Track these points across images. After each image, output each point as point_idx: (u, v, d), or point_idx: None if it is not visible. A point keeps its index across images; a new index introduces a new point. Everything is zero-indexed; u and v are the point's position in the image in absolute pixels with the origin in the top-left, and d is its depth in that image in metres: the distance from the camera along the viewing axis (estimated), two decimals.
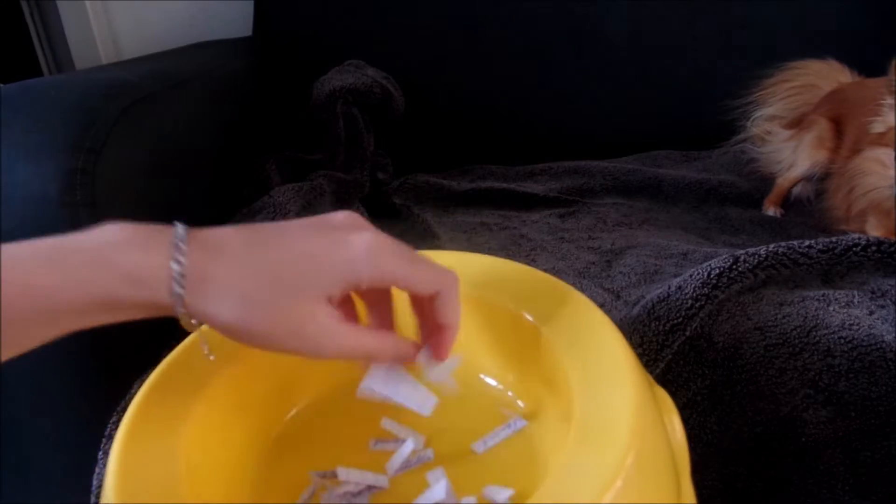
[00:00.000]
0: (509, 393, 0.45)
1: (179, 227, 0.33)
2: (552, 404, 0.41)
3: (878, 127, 0.82)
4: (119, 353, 0.60)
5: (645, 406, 0.34)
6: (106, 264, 0.31)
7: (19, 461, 0.63)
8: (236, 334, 0.33)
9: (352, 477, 0.38)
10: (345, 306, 0.39)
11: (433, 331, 0.38)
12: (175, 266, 0.31)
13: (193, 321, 0.33)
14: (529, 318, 0.42)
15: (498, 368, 0.45)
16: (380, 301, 0.40)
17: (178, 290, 0.31)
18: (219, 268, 0.32)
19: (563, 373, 0.38)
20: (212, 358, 0.39)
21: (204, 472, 0.36)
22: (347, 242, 0.34)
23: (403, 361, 0.38)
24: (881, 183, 0.79)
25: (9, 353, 0.31)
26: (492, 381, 0.46)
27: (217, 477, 0.37)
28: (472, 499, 0.36)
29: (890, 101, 0.81)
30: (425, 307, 0.38)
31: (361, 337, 0.35)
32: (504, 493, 0.36)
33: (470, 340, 0.42)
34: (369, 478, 0.38)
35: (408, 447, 0.40)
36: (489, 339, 0.45)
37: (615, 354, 0.38)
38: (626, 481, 0.30)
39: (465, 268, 0.44)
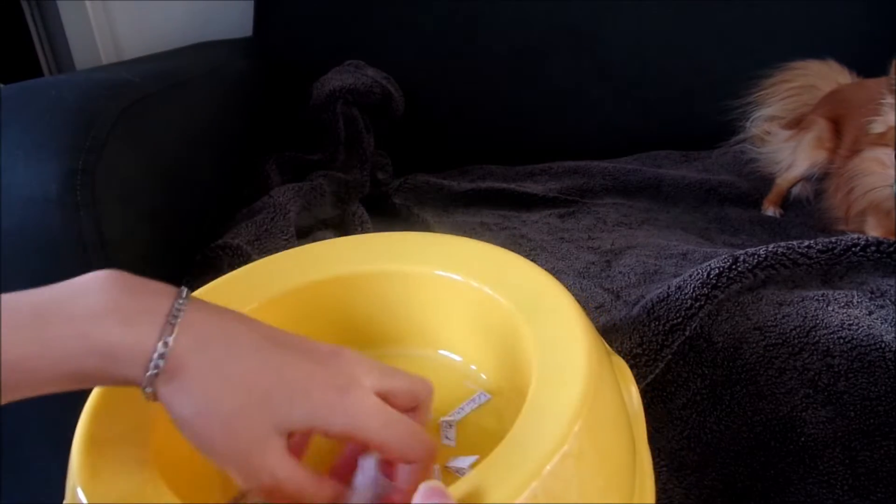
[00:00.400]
0: (472, 367, 0.45)
1: (183, 296, 0.32)
2: (514, 377, 0.41)
3: (877, 127, 0.82)
4: None
5: (599, 373, 0.35)
6: (84, 337, 0.29)
7: (19, 461, 0.62)
8: (185, 430, 0.31)
9: None
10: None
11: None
12: (161, 348, 0.30)
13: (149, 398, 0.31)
14: (487, 290, 0.43)
15: (458, 342, 0.46)
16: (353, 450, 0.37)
17: (153, 371, 0.30)
18: (203, 362, 0.31)
19: (522, 345, 0.38)
20: None
21: (175, 442, 0.35)
22: (337, 389, 0.32)
23: None
24: (880, 183, 0.79)
25: None
26: (453, 356, 0.46)
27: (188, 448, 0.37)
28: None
29: (890, 100, 0.81)
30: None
31: (301, 481, 0.32)
32: (467, 461, 0.37)
33: (427, 316, 0.42)
34: None
35: None
36: (447, 313, 0.45)
37: (572, 325, 0.38)
38: (577, 445, 0.31)
39: (424, 246, 0.46)
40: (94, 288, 0.31)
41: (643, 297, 0.63)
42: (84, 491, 0.32)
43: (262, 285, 0.45)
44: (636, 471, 0.37)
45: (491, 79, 1.17)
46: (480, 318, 0.44)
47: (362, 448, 0.34)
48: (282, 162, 0.99)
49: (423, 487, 0.28)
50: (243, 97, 1.05)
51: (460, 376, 0.45)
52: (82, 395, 0.61)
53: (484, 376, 0.45)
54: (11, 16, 1.20)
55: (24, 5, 1.20)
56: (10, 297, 0.30)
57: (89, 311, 0.30)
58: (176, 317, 0.31)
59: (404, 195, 1.03)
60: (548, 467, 0.30)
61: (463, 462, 0.37)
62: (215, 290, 0.45)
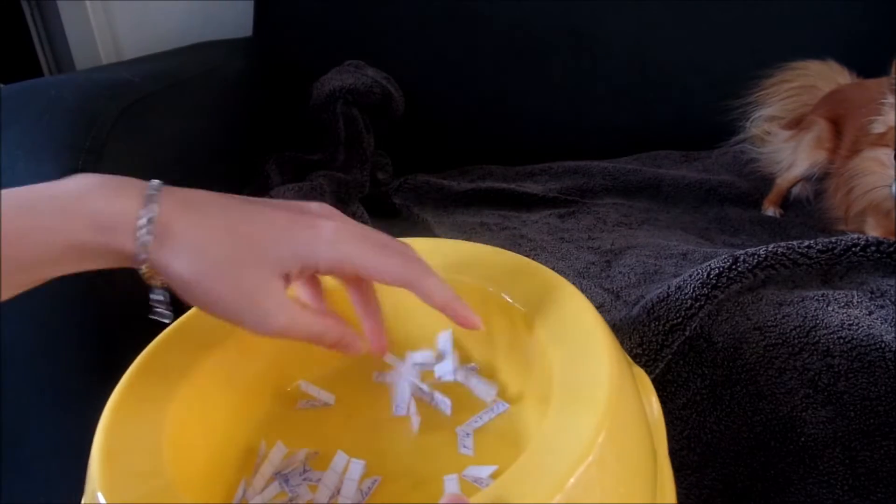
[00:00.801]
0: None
1: (155, 181, 0.34)
2: (533, 386, 0.41)
3: (877, 127, 0.82)
4: (120, 353, 0.60)
5: (621, 385, 0.35)
6: (73, 210, 0.31)
7: (19, 461, 0.63)
8: (191, 292, 0.33)
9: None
10: (311, 290, 0.40)
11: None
12: (145, 213, 0.32)
13: (151, 277, 0.33)
14: (507, 299, 0.43)
15: (477, 351, 0.46)
16: (361, 290, 0.40)
17: (145, 237, 0.31)
18: (187, 222, 0.32)
19: (543, 354, 0.38)
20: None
21: (189, 453, 0.36)
22: (313, 225, 0.34)
23: (347, 350, 0.37)
24: (880, 182, 0.79)
25: None
26: (470, 363, 0.46)
27: (201, 457, 0.37)
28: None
29: (891, 100, 0.81)
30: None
31: (308, 318, 0.35)
32: (486, 471, 0.37)
33: (445, 322, 0.42)
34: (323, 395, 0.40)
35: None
36: None
37: (593, 334, 0.38)
38: (600, 456, 0.31)
39: (439, 253, 0.46)
40: (79, 176, 0.33)
41: (643, 297, 0.63)
42: (104, 495, 0.32)
43: None
44: (657, 481, 0.37)
45: (491, 79, 1.17)
46: (498, 324, 0.43)
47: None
48: (282, 162, 0.99)
49: (445, 498, 0.28)
50: (243, 97, 1.05)
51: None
52: (82, 395, 0.61)
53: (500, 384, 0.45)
54: (11, 16, 1.20)
55: (24, 5, 1.20)
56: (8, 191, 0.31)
57: (78, 189, 0.32)
58: (156, 190, 0.33)
59: (404, 195, 1.03)
60: (572, 480, 0.29)
61: (481, 472, 0.37)
62: None
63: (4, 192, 0.31)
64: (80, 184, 0.32)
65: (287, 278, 0.34)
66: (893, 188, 0.76)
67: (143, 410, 0.36)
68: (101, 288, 0.56)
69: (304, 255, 0.34)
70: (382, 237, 0.36)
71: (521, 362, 0.42)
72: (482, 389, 0.42)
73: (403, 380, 0.44)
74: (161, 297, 0.35)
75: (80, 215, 0.31)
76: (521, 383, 0.43)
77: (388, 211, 0.98)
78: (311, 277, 0.40)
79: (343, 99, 1.03)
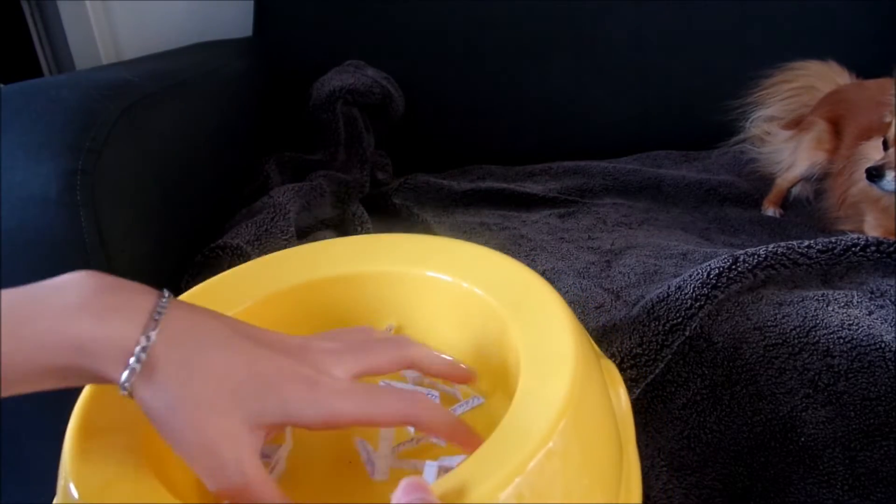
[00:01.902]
0: (463, 366, 0.45)
1: (166, 296, 0.32)
2: (504, 378, 0.41)
3: (888, 117, 0.82)
4: None
5: (585, 376, 0.35)
6: (57, 334, 0.29)
7: (19, 461, 0.62)
8: (160, 428, 0.31)
9: None
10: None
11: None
12: (142, 341, 0.30)
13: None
14: (478, 291, 0.43)
15: (449, 343, 0.46)
16: None
17: (133, 365, 0.30)
18: (177, 358, 0.30)
19: (511, 346, 0.39)
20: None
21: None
22: (312, 382, 0.32)
23: None
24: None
25: None
26: (446, 358, 0.46)
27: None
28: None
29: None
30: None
31: (263, 487, 0.31)
32: (456, 459, 0.37)
33: (419, 316, 0.42)
34: None
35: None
36: (438, 314, 0.46)
37: (559, 325, 0.39)
38: (563, 445, 0.31)
39: (416, 247, 0.46)
40: (71, 285, 0.31)
41: (643, 297, 0.63)
42: (75, 485, 0.32)
43: (256, 284, 0.46)
44: (622, 472, 0.37)
45: (491, 79, 1.17)
46: (471, 318, 0.44)
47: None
48: (282, 162, 0.99)
49: (403, 483, 0.28)
50: (243, 97, 1.05)
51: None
52: (78, 394, 0.61)
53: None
54: (11, 16, 1.20)
55: (24, 5, 1.20)
56: None
57: (64, 307, 0.30)
58: (160, 313, 0.31)
59: (404, 195, 1.03)
60: (532, 464, 0.30)
61: (452, 461, 0.38)
62: (210, 289, 0.45)
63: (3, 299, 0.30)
64: (74, 296, 0.30)
65: (267, 429, 0.32)
66: (893, 185, 0.76)
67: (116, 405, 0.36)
68: None
69: (292, 414, 0.31)
70: (375, 388, 0.34)
71: (492, 355, 0.43)
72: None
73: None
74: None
75: (64, 339, 0.29)
76: (493, 376, 0.43)
77: (388, 211, 0.98)
78: None
79: (343, 99, 1.03)
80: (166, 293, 0.32)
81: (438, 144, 1.19)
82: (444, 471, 0.37)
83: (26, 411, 0.61)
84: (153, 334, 0.30)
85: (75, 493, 0.31)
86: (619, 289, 0.69)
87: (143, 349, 0.30)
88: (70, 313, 0.30)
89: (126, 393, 0.30)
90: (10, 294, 0.30)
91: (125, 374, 0.30)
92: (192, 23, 1.24)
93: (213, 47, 1.12)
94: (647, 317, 0.58)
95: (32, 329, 0.29)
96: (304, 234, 0.81)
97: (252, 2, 1.19)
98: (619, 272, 0.72)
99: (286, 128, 1.12)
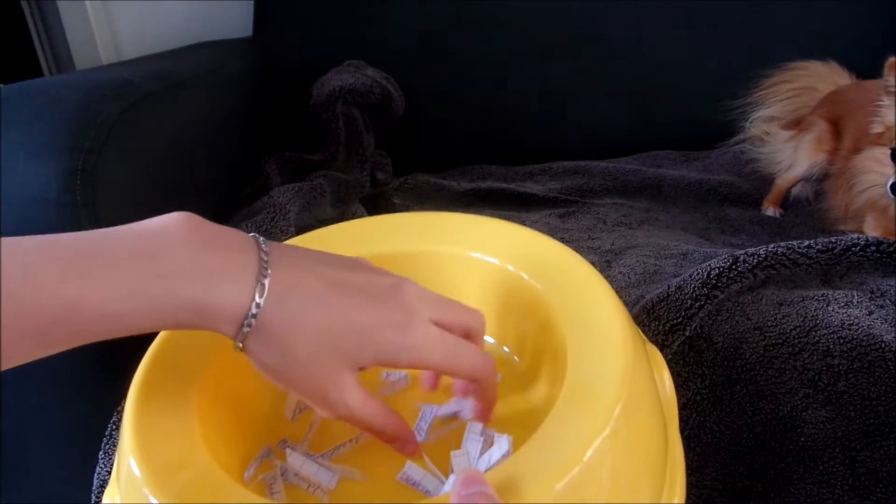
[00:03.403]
0: (505, 349, 0.45)
1: (264, 256, 0.34)
2: (547, 360, 0.41)
3: (876, 127, 0.83)
4: (120, 353, 0.60)
5: (635, 360, 0.35)
6: (176, 298, 0.32)
7: (19, 461, 0.63)
8: (271, 377, 0.36)
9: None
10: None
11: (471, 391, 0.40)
12: (254, 308, 0.33)
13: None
14: (522, 273, 0.43)
15: (491, 324, 0.45)
16: None
17: (246, 328, 0.33)
18: (283, 317, 0.34)
19: (558, 329, 0.39)
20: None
21: (216, 418, 0.38)
22: (403, 326, 0.35)
23: (401, 449, 0.39)
24: (878, 181, 0.80)
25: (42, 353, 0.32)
26: (487, 338, 0.46)
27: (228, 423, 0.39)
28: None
29: (886, 101, 0.81)
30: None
31: (371, 410, 0.36)
32: (504, 439, 0.37)
33: (461, 297, 0.43)
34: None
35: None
36: (480, 295, 0.46)
37: (608, 311, 0.38)
38: (614, 430, 0.31)
39: (458, 227, 0.47)
40: (176, 242, 0.33)
41: (643, 296, 0.63)
42: (136, 461, 0.33)
43: None
44: (668, 456, 0.37)
45: (491, 79, 1.17)
46: (514, 300, 0.44)
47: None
48: (282, 162, 0.99)
49: (461, 477, 0.29)
50: (243, 97, 1.05)
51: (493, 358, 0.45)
52: (82, 396, 0.61)
53: (517, 358, 0.45)
54: (11, 16, 1.20)
55: (24, 5, 1.20)
56: (100, 243, 0.32)
57: (177, 270, 0.32)
58: (265, 276, 0.33)
59: (404, 195, 1.03)
60: (588, 452, 0.30)
61: (501, 439, 0.37)
62: None
63: (101, 241, 0.32)
64: (183, 257, 0.32)
65: (362, 368, 0.36)
66: (889, 186, 0.76)
67: (172, 382, 0.38)
68: None
69: (385, 358, 0.35)
70: (459, 341, 0.37)
71: (535, 336, 0.43)
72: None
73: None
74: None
75: (183, 303, 0.32)
76: (534, 356, 0.43)
77: (389, 211, 0.98)
78: None
79: (343, 99, 1.03)
80: (263, 245, 0.35)
81: (438, 144, 1.19)
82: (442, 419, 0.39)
83: (27, 411, 0.61)
84: (261, 301, 0.33)
85: (137, 472, 0.33)
86: (619, 289, 0.68)
87: (254, 316, 0.33)
88: (184, 277, 0.32)
89: (239, 348, 0.34)
90: (116, 243, 0.32)
91: (238, 335, 0.33)
92: (192, 23, 1.24)
93: (213, 47, 1.12)
94: (647, 317, 0.58)
95: (151, 292, 0.31)
96: None
97: (252, 2, 1.19)
98: (620, 272, 0.72)
99: (286, 128, 1.12)
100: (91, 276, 0.30)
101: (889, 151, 0.79)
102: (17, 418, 0.60)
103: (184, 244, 0.33)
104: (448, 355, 0.36)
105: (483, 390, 0.39)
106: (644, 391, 0.36)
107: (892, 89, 0.80)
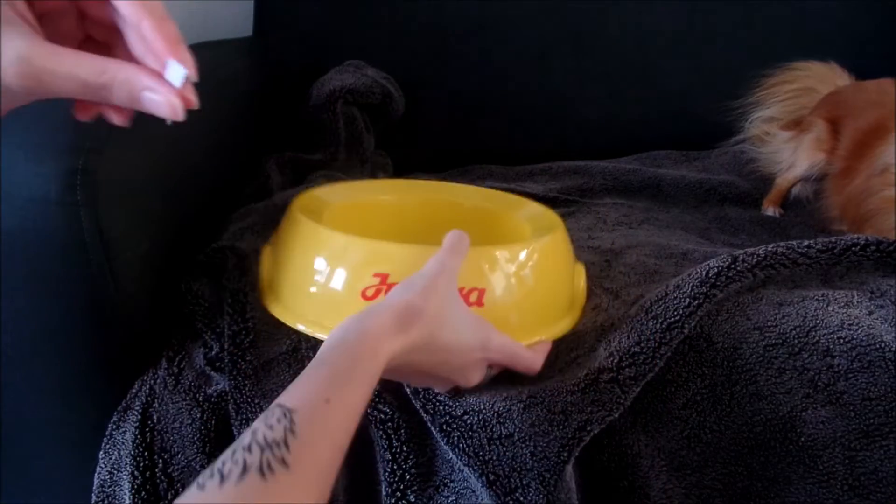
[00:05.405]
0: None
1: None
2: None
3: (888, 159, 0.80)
4: (120, 354, 0.60)
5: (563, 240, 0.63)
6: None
7: (19, 461, 0.63)
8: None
9: None
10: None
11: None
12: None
13: None
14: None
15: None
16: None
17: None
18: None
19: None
20: None
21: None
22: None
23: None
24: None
25: None
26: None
27: None
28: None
29: None
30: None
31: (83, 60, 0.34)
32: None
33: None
34: None
35: None
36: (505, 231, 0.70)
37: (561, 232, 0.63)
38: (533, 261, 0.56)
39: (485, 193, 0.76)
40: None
41: (642, 296, 0.63)
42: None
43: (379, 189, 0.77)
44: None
45: (491, 79, 1.17)
46: (489, 220, 0.71)
47: None
48: (282, 162, 0.99)
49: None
50: (243, 97, 1.05)
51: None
52: (82, 396, 0.61)
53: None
54: None
55: None
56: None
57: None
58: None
59: None
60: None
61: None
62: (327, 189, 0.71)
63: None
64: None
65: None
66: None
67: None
68: (102, 288, 0.56)
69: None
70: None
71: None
72: None
73: None
74: None
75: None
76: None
77: None
78: None
79: (343, 99, 1.03)
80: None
81: (438, 144, 1.19)
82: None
83: (28, 411, 0.61)
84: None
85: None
86: (618, 288, 0.69)
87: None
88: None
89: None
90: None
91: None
92: (192, 23, 1.24)
93: (213, 47, 1.12)
94: (645, 315, 0.58)
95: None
96: None
97: (252, 2, 1.19)
98: (619, 272, 0.72)
99: (286, 128, 1.12)
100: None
101: None
102: (17, 418, 0.60)
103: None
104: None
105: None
106: (563, 266, 0.62)
107: None
